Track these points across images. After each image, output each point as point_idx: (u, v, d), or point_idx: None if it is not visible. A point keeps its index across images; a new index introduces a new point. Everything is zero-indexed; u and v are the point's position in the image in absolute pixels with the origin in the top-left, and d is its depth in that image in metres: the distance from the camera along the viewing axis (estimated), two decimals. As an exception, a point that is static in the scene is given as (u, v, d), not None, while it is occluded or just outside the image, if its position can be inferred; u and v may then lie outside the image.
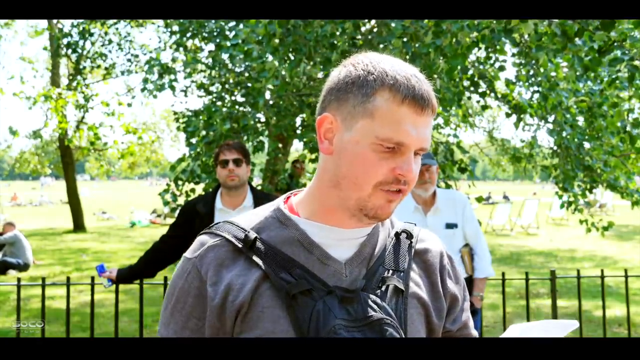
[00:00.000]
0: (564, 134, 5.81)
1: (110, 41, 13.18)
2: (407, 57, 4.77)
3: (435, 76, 4.66)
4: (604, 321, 4.03)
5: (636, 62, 4.42)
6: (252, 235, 0.99)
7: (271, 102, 6.05)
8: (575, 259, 10.88)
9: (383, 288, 0.99)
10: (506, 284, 3.88)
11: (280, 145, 6.45)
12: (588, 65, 4.33)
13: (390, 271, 1.02)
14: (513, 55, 6.19)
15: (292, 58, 5.25)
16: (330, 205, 1.01)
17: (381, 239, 1.06)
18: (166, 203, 5.82)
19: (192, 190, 5.97)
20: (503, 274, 3.87)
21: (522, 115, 6.06)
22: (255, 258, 0.97)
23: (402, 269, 1.04)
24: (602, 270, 4.02)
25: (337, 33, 4.85)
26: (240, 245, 0.99)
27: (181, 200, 5.90)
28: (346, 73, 0.99)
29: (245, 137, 5.70)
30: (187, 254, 1.03)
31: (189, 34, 6.77)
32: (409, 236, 1.10)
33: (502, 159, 15.58)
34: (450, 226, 3.34)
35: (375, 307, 0.96)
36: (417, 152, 0.97)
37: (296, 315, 0.93)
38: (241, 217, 1.06)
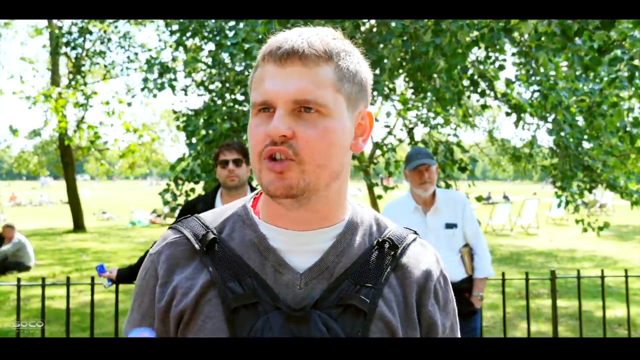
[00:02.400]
0: (563, 133, 5.81)
1: (109, 39, 13.18)
2: (407, 56, 4.77)
3: (435, 75, 4.65)
4: (604, 321, 4.03)
5: (636, 62, 4.41)
6: (211, 235, 0.91)
7: None
8: (575, 259, 10.88)
9: (342, 307, 0.86)
10: (506, 284, 3.89)
11: None
12: (588, 64, 4.32)
13: (358, 286, 0.88)
14: (513, 54, 6.19)
15: None
16: (265, 199, 0.93)
17: (355, 248, 0.92)
18: (166, 203, 5.83)
19: (192, 190, 5.97)
20: (503, 274, 3.87)
21: (522, 115, 6.06)
22: (207, 261, 0.89)
23: (372, 285, 0.89)
24: (602, 270, 4.02)
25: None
26: (197, 246, 0.91)
27: (181, 200, 5.90)
28: None
29: (245, 137, 5.71)
30: (151, 249, 0.96)
31: (188, 33, 6.77)
32: (393, 246, 0.93)
33: (502, 159, 15.59)
34: (450, 226, 3.34)
35: (323, 329, 0.84)
36: (302, 105, 0.84)
37: (235, 331, 0.84)
38: (211, 213, 0.98)
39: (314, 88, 0.83)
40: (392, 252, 0.93)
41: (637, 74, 4.34)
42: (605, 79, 5.60)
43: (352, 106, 0.89)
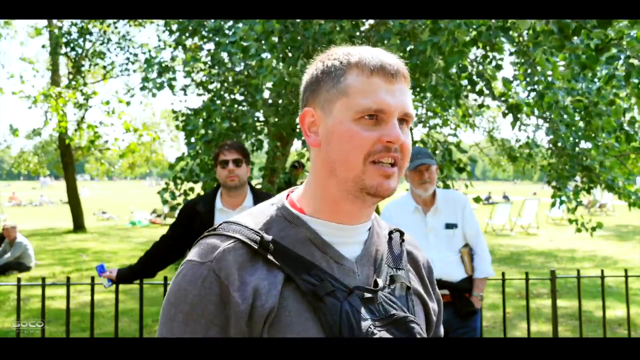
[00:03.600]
0: (560, 132, 5.77)
1: (109, 39, 13.15)
2: (405, 54, 4.76)
3: (433, 74, 4.63)
4: (604, 321, 4.03)
5: (632, 60, 4.39)
6: (267, 237, 0.97)
7: (270, 101, 6.05)
8: (575, 259, 10.88)
9: (392, 286, 1.02)
10: (506, 284, 3.88)
11: (278, 144, 6.46)
12: (586, 63, 4.31)
13: (394, 269, 1.04)
14: (511, 54, 6.13)
15: (290, 55, 5.25)
16: (332, 196, 1.00)
17: (380, 238, 1.07)
18: (165, 202, 5.82)
19: (191, 189, 5.97)
20: (503, 274, 3.87)
21: (518, 115, 6.02)
22: (274, 260, 0.95)
23: (402, 267, 1.06)
24: (602, 270, 4.02)
25: (337, 30, 4.84)
26: (256, 247, 0.95)
27: (180, 199, 5.90)
28: (315, 68, 1.03)
29: (243, 136, 5.69)
30: (197, 258, 0.96)
31: (187, 33, 6.74)
32: (401, 235, 1.12)
33: (502, 159, 15.56)
34: (450, 226, 3.33)
35: (394, 305, 0.99)
36: (403, 119, 0.98)
37: (326, 318, 0.92)
38: (244, 217, 1.02)
39: (411, 104, 1.00)
40: (401, 240, 1.11)
41: (633, 72, 4.32)
42: (602, 78, 5.54)
43: None
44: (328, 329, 0.91)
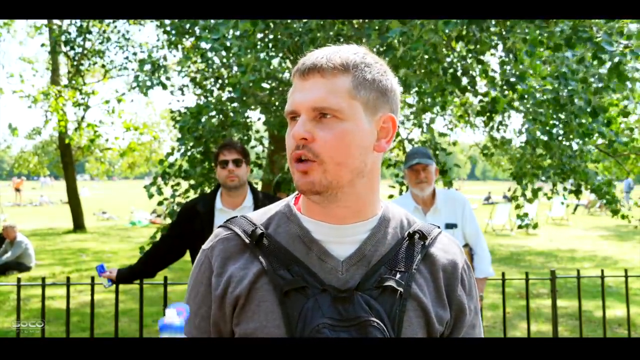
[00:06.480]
0: (529, 126, 5.71)
1: (108, 39, 13.12)
2: (382, 48, 4.74)
3: (404, 68, 4.58)
4: (604, 321, 4.03)
5: (599, 39, 4.35)
6: (259, 231, 1.03)
7: (266, 100, 6.04)
8: (575, 259, 10.87)
9: (380, 289, 0.98)
10: (506, 284, 3.88)
11: (268, 142, 6.48)
12: (560, 44, 4.31)
13: (393, 271, 1.00)
14: (493, 47, 5.94)
15: (272, 53, 5.27)
16: (304, 197, 1.05)
17: (389, 238, 1.04)
18: (151, 196, 5.82)
19: (178, 184, 5.98)
20: (503, 274, 3.87)
21: (493, 115, 5.96)
22: (257, 253, 1.01)
23: (406, 270, 1.01)
24: (602, 270, 4.02)
25: (321, 30, 4.84)
26: (247, 241, 1.03)
27: (167, 194, 5.92)
28: None
29: (234, 132, 5.69)
30: (204, 245, 1.09)
31: (182, 33, 6.73)
32: (422, 237, 1.06)
33: (502, 159, 15.54)
34: (449, 226, 3.33)
35: (366, 308, 0.96)
36: (320, 112, 0.96)
37: (287, 312, 0.96)
38: (258, 212, 1.11)
39: (329, 96, 0.96)
40: (422, 243, 1.06)
41: (601, 52, 4.28)
42: (575, 65, 5.36)
43: (370, 111, 1.00)
44: (287, 324, 0.95)
